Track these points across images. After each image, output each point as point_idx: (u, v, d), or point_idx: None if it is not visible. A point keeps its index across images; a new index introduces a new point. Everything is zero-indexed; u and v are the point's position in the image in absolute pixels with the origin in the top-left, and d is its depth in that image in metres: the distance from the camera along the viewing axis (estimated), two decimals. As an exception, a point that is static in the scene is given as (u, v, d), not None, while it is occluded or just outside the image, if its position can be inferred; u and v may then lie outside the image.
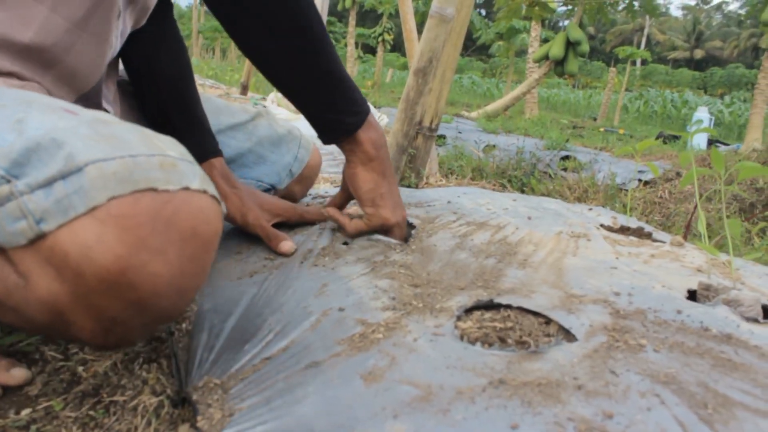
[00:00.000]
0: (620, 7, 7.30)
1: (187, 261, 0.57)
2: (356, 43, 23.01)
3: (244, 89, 4.47)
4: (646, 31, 51.93)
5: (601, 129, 8.79)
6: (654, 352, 0.62)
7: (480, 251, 0.93)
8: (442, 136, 5.47)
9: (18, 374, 0.86)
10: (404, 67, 34.43)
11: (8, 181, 0.55)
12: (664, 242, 1.23)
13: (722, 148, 7.08)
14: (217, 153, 1.08)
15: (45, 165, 0.55)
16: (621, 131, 8.60)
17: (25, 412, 0.80)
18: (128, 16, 0.94)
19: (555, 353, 0.61)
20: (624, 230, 1.36)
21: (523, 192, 3.79)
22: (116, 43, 0.92)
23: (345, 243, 0.96)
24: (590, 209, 1.54)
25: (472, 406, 0.52)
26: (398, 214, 0.98)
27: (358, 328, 0.67)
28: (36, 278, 0.56)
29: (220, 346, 0.72)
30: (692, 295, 0.86)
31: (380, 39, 16.23)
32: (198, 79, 9.39)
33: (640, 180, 3.69)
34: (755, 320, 0.76)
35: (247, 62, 4.59)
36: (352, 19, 15.16)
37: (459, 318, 0.70)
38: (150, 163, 0.57)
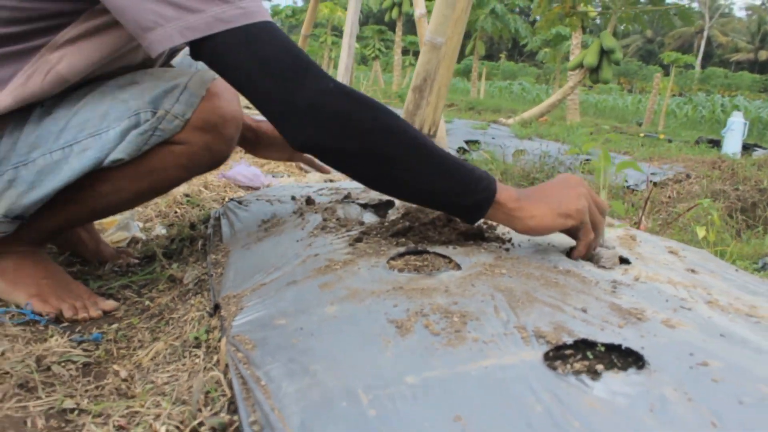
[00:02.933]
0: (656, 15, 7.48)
1: (238, 106, 1.23)
2: (408, 51, 23.37)
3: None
4: (705, 33, 50.83)
5: (641, 134, 8.94)
6: (508, 277, 0.97)
7: (429, 223, 1.29)
8: (476, 142, 5.80)
9: (111, 303, 1.27)
10: (457, 73, 34.75)
11: (156, 110, 1.14)
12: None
13: (759, 152, 7.16)
14: None
15: (170, 94, 1.16)
16: (661, 136, 8.73)
17: (115, 325, 1.20)
18: None
19: (442, 276, 0.97)
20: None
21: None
22: None
23: (334, 222, 1.34)
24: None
25: (377, 298, 0.89)
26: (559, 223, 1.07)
27: (325, 263, 1.05)
28: (192, 139, 1.19)
29: (239, 277, 1.11)
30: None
31: (429, 47, 16.58)
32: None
33: (651, 181, 3.95)
34: (604, 267, 1.10)
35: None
36: (398, 29, 15.61)
37: (392, 258, 1.06)
38: (206, 74, 1.19)
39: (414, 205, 1.24)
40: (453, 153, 5.14)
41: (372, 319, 0.82)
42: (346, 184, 1.90)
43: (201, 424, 0.78)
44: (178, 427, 0.80)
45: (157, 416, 0.83)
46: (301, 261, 1.09)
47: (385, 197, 1.48)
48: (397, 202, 1.48)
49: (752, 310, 0.97)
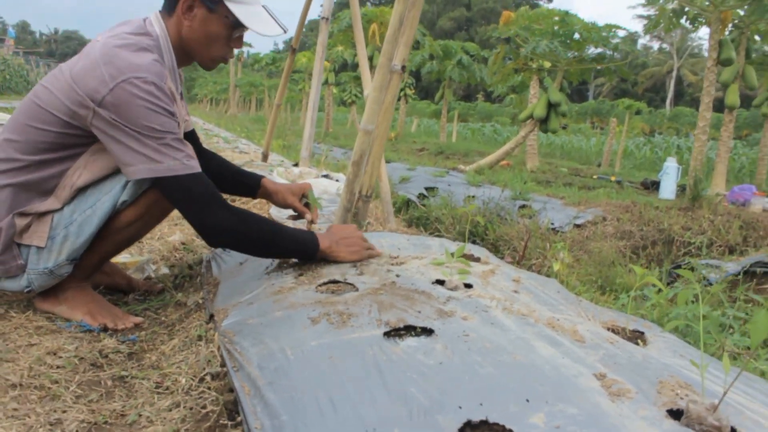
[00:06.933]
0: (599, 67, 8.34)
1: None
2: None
3: (265, 157, 5.42)
4: (674, 74, 52.77)
5: (595, 176, 9.74)
6: (384, 295, 1.64)
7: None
8: (434, 188, 6.50)
9: (138, 319, 1.93)
10: (434, 114, 35.75)
11: None
12: (479, 262, 2.24)
13: (693, 193, 7.85)
14: (262, 177, 2.25)
15: None
16: (612, 178, 9.51)
17: (143, 332, 1.85)
18: None
19: (345, 295, 1.64)
20: (467, 257, 2.36)
21: (486, 237, 4.77)
22: None
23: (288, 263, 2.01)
24: (455, 243, 2.55)
25: (305, 307, 1.55)
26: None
27: (278, 289, 1.71)
28: None
29: (224, 299, 1.77)
30: (441, 282, 1.86)
31: (403, 94, 17.52)
32: (231, 137, 10.71)
33: (575, 224, 4.67)
34: (452, 290, 1.77)
35: (268, 130, 5.45)
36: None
37: (320, 285, 1.73)
38: None
39: None
40: (414, 198, 5.83)
41: (299, 317, 1.49)
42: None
43: (206, 374, 1.44)
44: (192, 377, 1.45)
45: (179, 374, 1.49)
46: (263, 288, 1.76)
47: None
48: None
49: (530, 313, 1.64)
